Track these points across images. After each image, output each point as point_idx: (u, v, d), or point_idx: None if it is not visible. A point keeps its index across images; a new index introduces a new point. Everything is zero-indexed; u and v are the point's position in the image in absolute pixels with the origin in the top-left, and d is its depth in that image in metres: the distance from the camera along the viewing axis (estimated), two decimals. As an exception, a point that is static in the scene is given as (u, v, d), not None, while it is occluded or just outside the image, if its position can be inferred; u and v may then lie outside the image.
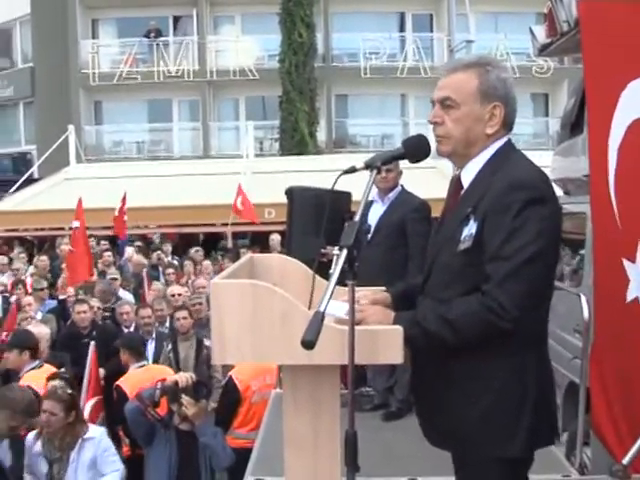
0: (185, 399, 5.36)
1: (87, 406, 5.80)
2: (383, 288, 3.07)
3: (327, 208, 6.00)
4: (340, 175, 2.73)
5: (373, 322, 2.64)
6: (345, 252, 2.34)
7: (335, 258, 2.41)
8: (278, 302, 2.56)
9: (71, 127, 23.11)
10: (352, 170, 2.70)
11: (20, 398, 5.16)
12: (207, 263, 12.14)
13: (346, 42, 27.69)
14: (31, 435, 5.35)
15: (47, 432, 5.26)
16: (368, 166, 2.69)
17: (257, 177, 18.69)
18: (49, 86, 28.59)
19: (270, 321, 2.54)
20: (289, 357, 2.56)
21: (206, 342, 7.50)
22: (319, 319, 2.18)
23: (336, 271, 2.32)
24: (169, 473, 5.40)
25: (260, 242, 14.80)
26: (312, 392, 2.69)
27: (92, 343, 5.92)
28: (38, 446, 5.27)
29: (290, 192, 6.31)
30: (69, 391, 5.40)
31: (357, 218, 2.53)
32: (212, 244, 16.83)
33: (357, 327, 2.45)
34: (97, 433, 5.43)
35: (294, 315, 2.53)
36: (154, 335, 8.09)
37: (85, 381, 5.64)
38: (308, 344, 2.17)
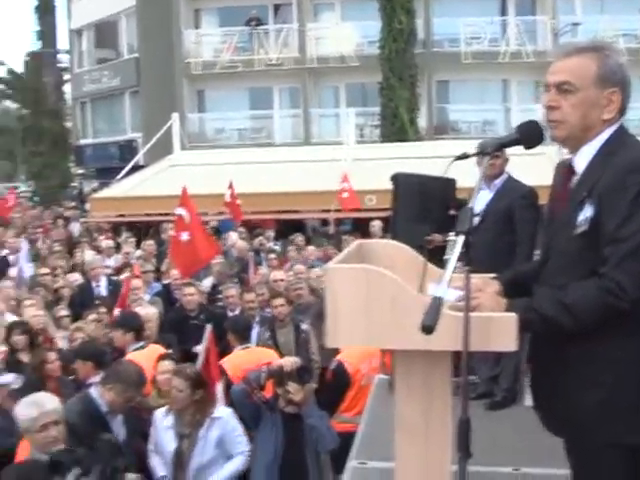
0: (292, 386, 5.46)
1: (218, 389, 5.94)
2: (492, 275, 3.05)
3: (433, 195, 6.01)
4: (453, 161, 2.74)
5: (486, 309, 2.62)
6: (462, 238, 2.34)
7: (450, 244, 2.41)
8: (390, 286, 2.57)
9: (175, 115, 23.61)
10: (464, 156, 2.71)
11: (130, 372, 5.36)
12: (311, 249, 12.22)
13: (447, 27, 27.27)
14: (160, 411, 5.56)
15: (175, 409, 5.46)
16: (480, 152, 2.68)
17: (358, 164, 18.67)
18: (154, 76, 29.33)
19: (383, 305, 2.56)
20: (402, 342, 2.57)
21: (303, 326, 7.60)
22: (438, 304, 2.19)
23: (453, 257, 2.31)
24: (275, 455, 5.49)
25: (361, 229, 14.79)
26: (425, 378, 2.70)
27: (208, 326, 6.03)
28: (169, 421, 5.48)
29: (395, 178, 6.29)
30: (196, 370, 5.56)
31: (471, 204, 2.52)
32: (298, 230, 16.74)
33: (471, 314, 2.45)
34: (225, 413, 5.60)
35: (406, 300, 2.54)
36: (257, 319, 8.24)
37: (200, 362, 5.77)
38: (428, 329, 2.19)
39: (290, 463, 5.50)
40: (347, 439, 5.15)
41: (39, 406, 4.48)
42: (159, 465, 5.50)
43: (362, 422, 5.19)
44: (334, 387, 6.47)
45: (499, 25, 27.56)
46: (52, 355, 6.60)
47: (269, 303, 8.11)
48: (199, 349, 6.76)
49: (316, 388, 6.39)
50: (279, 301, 7.78)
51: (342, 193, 15.54)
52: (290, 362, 5.60)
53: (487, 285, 2.83)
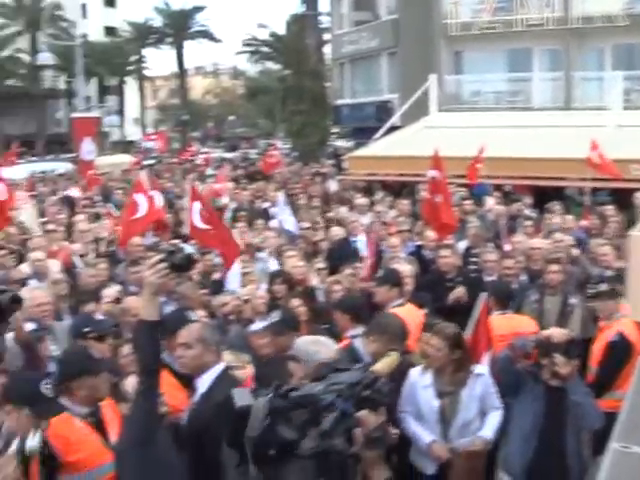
0: (558, 358, 5.25)
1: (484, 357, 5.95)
2: None
3: None
4: None
5: None
6: None
7: None
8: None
9: (433, 77, 23.56)
10: None
11: (395, 324, 5.49)
12: (569, 218, 11.75)
13: None
14: (416, 370, 5.56)
15: (434, 367, 5.47)
16: None
17: (623, 131, 17.67)
18: (411, 37, 29.43)
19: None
20: None
21: (571, 300, 7.36)
22: None
23: None
24: (533, 427, 5.35)
25: (621, 200, 13.96)
26: None
27: (484, 294, 6.00)
28: (427, 379, 5.48)
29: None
30: (455, 330, 5.55)
31: None
32: (555, 198, 16.05)
33: None
34: (484, 370, 5.60)
35: None
36: (516, 285, 8.07)
37: (470, 330, 5.77)
38: None
39: (548, 437, 5.32)
40: (614, 418, 4.90)
41: (326, 346, 4.72)
42: (421, 429, 5.44)
43: (626, 402, 4.92)
44: (614, 360, 6.20)
45: None
46: (295, 301, 6.91)
47: (543, 268, 7.95)
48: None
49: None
50: (555, 267, 7.64)
51: (594, 161, 14.68)
52: (559, 333, 5.38)
53: None
